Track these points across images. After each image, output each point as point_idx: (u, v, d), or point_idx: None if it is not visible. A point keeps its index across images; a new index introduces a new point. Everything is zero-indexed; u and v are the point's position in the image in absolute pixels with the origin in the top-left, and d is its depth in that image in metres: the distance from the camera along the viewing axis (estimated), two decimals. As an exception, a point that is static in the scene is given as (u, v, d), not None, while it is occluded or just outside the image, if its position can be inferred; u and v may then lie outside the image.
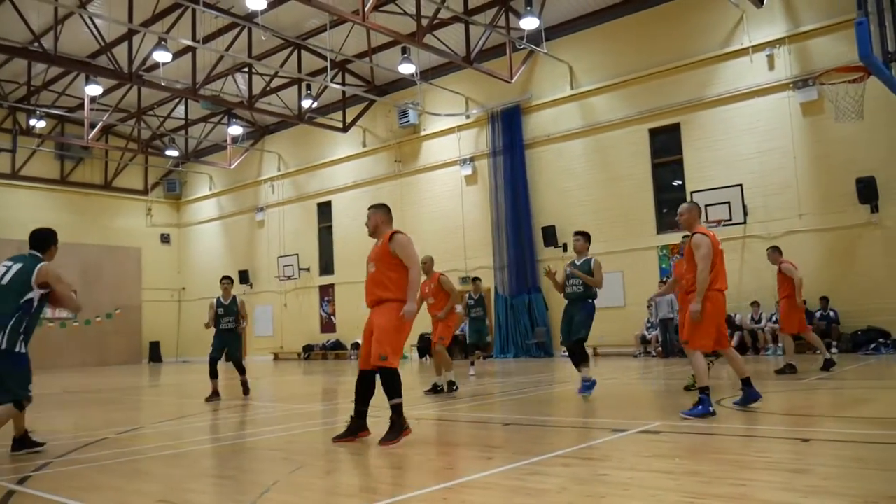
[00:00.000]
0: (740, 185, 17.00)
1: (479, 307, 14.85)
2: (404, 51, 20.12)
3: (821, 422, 6.14)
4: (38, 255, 6.20)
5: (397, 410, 5.76)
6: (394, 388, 5.79)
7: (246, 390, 11.11)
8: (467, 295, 15.24)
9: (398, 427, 5.71)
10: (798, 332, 11.32)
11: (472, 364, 14.54)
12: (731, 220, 17.00)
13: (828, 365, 10.95)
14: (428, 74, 21.44)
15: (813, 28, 16.55)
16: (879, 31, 6.23)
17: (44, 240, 6.31)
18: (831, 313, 15.71)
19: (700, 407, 6.39)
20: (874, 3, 6.22)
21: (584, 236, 9.08)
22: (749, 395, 6.89)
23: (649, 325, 18.32)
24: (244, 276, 29.51)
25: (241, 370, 11.17)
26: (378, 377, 5.90)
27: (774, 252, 11.58)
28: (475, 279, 15.78)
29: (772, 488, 3.74)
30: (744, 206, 16.96)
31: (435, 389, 10.18)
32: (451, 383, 10.27)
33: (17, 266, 6.01)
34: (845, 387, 9.34)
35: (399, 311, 5.89)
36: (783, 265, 11.21)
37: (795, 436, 5.24)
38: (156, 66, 21.65)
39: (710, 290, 6.74)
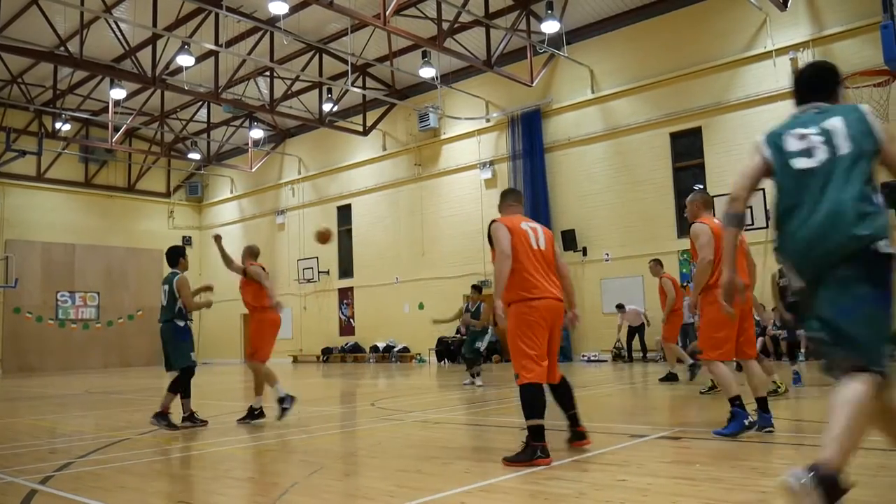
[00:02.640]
0: (762, 189, 16.80)
1: (476, 318, 12.75)
2: (425, 54, 20.18)
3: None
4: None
5: (531, 432, 4.81)
6: (525, 405, 4.92)
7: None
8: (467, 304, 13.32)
9: (528, 452, 4.77)
10: (669, 341, 11.40)
11: (473, 376, 12.48)
12: (752, 224, 16.83)
13: (669, 378, 11.04)
14: (448, 78, 21.46)
15: (837, 31, 16.34)
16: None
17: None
18: (855, 319, 15.47)
19: (733, 424, 5.52)
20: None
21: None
22: (764, 420, 5.74)
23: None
24: (264, 279, 29.70)
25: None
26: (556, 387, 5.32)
27: (657, 265, 11.61)
28: (474, 286, 13.49)
29: (794, 496, 3.68)
30: (766, 211, 16.77)
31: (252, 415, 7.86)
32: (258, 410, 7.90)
33: None
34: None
35: (515, 315, 5.05)
36: (663, 278, 11.20)
37: (819, 443, 5.16)
38: (179, 70, 21.91)
39: (718, 287, 5.58)
